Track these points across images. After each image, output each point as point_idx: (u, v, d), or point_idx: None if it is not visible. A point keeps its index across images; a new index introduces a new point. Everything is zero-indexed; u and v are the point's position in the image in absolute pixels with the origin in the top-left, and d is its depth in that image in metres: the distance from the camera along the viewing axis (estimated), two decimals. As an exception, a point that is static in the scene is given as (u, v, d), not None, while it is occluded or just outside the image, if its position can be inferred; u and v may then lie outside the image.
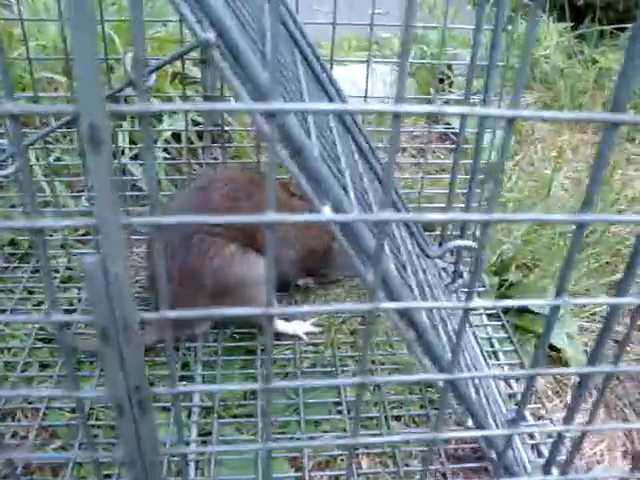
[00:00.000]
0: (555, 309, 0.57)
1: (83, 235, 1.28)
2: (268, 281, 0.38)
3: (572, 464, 0.61)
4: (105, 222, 0.35)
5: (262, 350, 1.05)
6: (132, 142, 1.41)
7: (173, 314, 0.40)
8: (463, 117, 1.08)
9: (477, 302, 0.41)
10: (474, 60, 1.03)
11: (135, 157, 1.42)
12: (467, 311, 0.42)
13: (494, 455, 0.67)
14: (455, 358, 0.46)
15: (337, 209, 0.42)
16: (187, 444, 0.89)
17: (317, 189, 0.41)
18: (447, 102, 1.68)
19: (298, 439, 0.91)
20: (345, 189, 0.48)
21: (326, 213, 0.40)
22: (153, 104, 0.32)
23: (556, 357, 1.11)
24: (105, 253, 0.36)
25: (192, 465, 0.87)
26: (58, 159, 1.36)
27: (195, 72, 1.54)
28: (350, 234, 0.43)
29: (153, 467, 0.48)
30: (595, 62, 1.94)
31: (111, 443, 0.90)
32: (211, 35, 0.37)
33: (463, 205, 1.23)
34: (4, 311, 1.10)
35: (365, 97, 1.16)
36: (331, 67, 1.07)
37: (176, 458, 0.87)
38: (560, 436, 0.69)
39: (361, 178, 0.73)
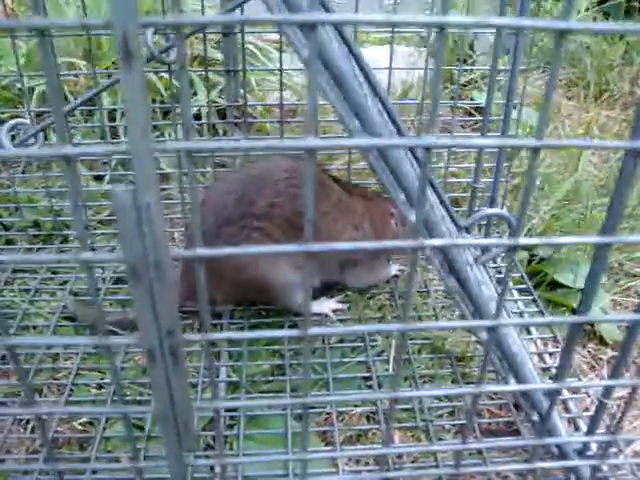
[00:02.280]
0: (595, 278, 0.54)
1: (107, 216, 1.27)
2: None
3: (619, 427, 0.58)
4: (137, 147, 0.33)
5: (290, 326, 1.03)
6: (154, 127, 1.40)
7: (207, 252, 0.38)
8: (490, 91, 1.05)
9: (524, 240, 0.38)
10: (500, 34, 1.00)
11: (156, 137, 1.41)
12: (515, 249, 0.40)
13: (535, 417, 0.64)
14: (501, 303, 0.43)
15: (374, 135, 0.40)
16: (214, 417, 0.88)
17: (353, 112, 0.39)
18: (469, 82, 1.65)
19: (329, 414, 0.90)
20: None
21: (361, 139, 0.38)
22: (187, 16, 0.30)
23: (590, 331, 1.08)
24: (137, 182, 0.35)
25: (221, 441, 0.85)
26: (78, 143, 1.36)
27: (214, 54, 1.53)
28: (391, 169, 0.41)
29: (186, 423, 0.46)
30: (622, 38, 1.89)
31: (137, 401, 0.89)
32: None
33: (491, 180, 1.20)
34: (28, 291, 1.10)
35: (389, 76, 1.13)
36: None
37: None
38: (602, 404, 0.67)
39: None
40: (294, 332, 0.42)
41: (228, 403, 0.44)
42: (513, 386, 0.64)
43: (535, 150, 0.37)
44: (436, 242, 0.38)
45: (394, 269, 1.15)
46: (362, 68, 0.43)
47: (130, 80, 0.31)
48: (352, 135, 0.40)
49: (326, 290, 1.11)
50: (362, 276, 1.11)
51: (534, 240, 0.40)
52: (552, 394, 0.50)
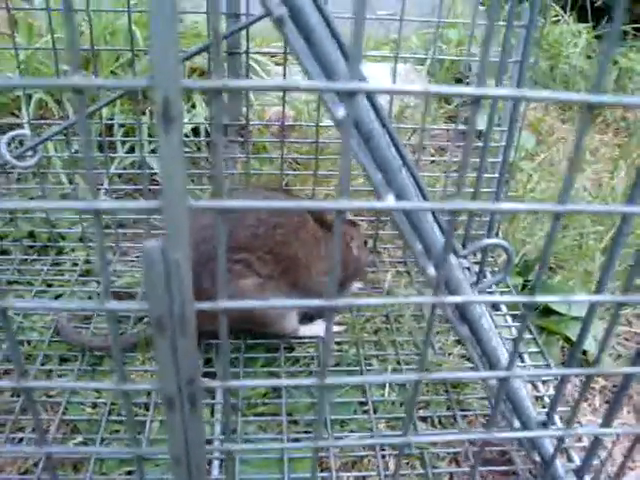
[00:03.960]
0: (592, 310, 0.55)
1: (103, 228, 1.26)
2: (333, 272, 0.37)
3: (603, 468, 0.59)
4: (172, 205, 0.33)
5: (285, 348, 1.04)
6: (150, 136, 1.39)
7: (229, 304, 0.38)
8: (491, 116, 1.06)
9: (540, 298, 0.39)
10: (504, 57, 1.01)
11: (153, 151, 1.40)
12: (531, 307, 0.41)
13: (537, 457, 0.65)
14: (515, 354, 0.44)
15: (400, 197, 0.40)
16: (210, 442, 0.87)
17: (384, 177, 0.39)
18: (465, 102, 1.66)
19: (324, 439, 0.90)
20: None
21: (390, 201, 0.39)
22: (227, 80, 0.30)
23: (582, 359, 1.09)
24: (168, 239, 0.35)
25: (216, 464, 0.85)
26: (76, 152, 1.35)
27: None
28: (412, 224, 0.42)
29: (198, 467, 0.46)
30: (615, 63, 1.92)
31: (134, 439, 0.88)
32: (283, 11, 0.35)
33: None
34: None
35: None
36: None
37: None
38: (597, 440, 0.68)
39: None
40: (311, 381, 0.43)
41: (243, 446, 0.44)
42: (521, 432, 0.64)
43: (557, 216, 0.38)
44: (456, 299, 0.39)
45: (355, 288, 1.18)
46: (384, 124, 0.44)
47: (169, 143, 0.31)
48: (376, 190, 0.41)
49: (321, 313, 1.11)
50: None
51: (551, 298, 0.40)
52: (559, 440, 0.51)
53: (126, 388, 0.42)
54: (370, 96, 0.43)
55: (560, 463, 0.70)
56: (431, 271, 0.48)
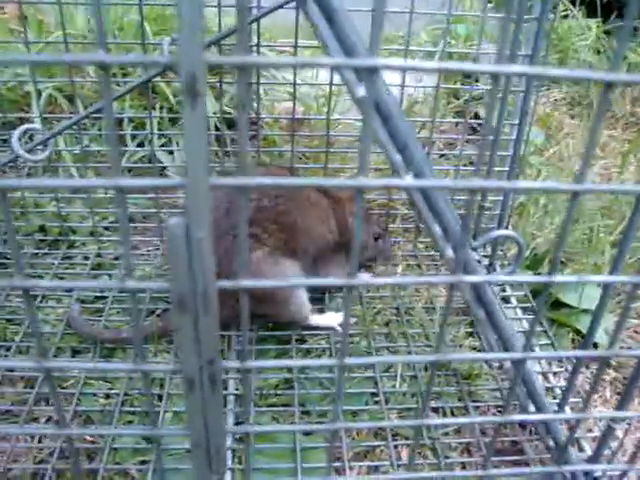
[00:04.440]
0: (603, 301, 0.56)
1: (112, 223, 1.27)
2: (355, 255, 0.37)
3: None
4: (195, 181, 0.33)
5: (296, 340, 1.04)
6: (160, 130, 1.40)
7: (250, 283, 0.39)
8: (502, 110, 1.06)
9: (559, 278, 0.39)
10: (514, 49, 1.01)
11: (163, 145, 1.41)
12: (547, 287, 0.41)
13: (551, 442, 0.65)
14: (531, 336, 0.44)
15: (419, 176, 0.41)
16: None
17: (404, 159, 0.39)
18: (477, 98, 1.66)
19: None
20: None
21: (408, 180, 0.39)
22: (254, 56, 0.31)
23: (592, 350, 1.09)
24: (191, 216, 0.35)
25: (229, 454, 0.86)
26: (87, 146, 1.35)
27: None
28: (430, 206, 0.42)
29: (218, 450, 0.46)
30: (625, 58, 1.91)
31: (153, 421, 0.88)
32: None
33: (497, 198, 1.22)
34: (35, 297, 1.09)
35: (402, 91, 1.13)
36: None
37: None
38: (609, 429, 0.68)
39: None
40: (331, 361, 0.43)
41: (259, 428, 0.44)
42: (537, 415, 0.65)
43: (574, 194, 0.38)
44: (474, 279, 0.39)
45: (365, 276, 1.17)
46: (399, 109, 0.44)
47: (193, 118, 0.32)
48: (396, 169, 0.41)
49: (332, 303, 1.12)
50: (333, 275, 1.13)
51: (569, 278, 0.41)
52: (572, 426, 0.51)
53: (145, 369, 0.42)
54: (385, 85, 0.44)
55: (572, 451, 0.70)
56: (449, 253, 0.48)
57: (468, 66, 0.32)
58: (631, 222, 0.44)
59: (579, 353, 0.45)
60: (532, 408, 0.63)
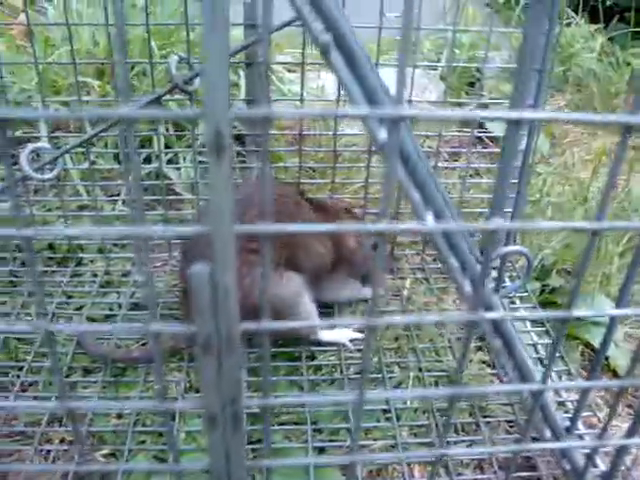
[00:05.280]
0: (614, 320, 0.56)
1: (121, 239, 1.28)
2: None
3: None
4: (220, 231, 0.34)
5: (307, 357, 1.04)
6: (167, 146, 1.40)
7: (274, 325, 0.39)
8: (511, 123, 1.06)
9: (577, 312, 0.40)
10: (523, 63, 1.01)
11: (170, 161, 1.42)
12: (566, 321, 0.41)
13: (568, 466, 0.65)
14: (550, 369, 0.44)
15: (439, 217, 0.41)
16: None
17: (423, 198, 0.40)
18: (485, 105, 1.67)
19: (349, 447, 0.90)
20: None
21: (429, 221, 0.39)
22: (276, 109, 0.31)
23: (603, 364, 1.09)
24: (216, 264, 0.35)
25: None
26: (93, 163, 1.36)
27: (234, 80, 1.54)
28: (449, 242, 0.42)
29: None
30: (628, 64, 1.92)
31: (160, 450, 0.89)
32: (328, 37, 0.36)
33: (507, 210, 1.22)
34: (45, 315, 1.09)
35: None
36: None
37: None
38: (624, 447, 0.68)
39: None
40: (348, 397, 0.43)
41: (280, 462, 0.45)
42: (553, 444, 0.65)
43: (594, 233, 0.38)
44: (493, 315, 0.39)
45: (367, 292, 1.17)
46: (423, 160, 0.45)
47: (219, 171, 0.32)
48: (416, 209, 0.42)
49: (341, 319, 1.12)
50: (334, 291, 1.14)
51: (588, 312, 0.41)
52: (591, 453, 0.51)
53: (167, 406, 0.43)
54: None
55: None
56: (467, 288, 0.49)
57: (492, 114, 0.33)
58: (636, 257, 0.44)
59: (594, 384, 0.45)
60: (548, 433, 0.64)
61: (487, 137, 1.63)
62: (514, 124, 0.32)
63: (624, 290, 0.53)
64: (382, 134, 0.33)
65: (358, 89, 0.37)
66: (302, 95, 1.09)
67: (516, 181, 1.14)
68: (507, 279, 1.21)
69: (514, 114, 0.33)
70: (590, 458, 0.50)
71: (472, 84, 1.85)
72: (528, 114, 0.33)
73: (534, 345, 1.10)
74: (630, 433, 0.61)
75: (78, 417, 0.41)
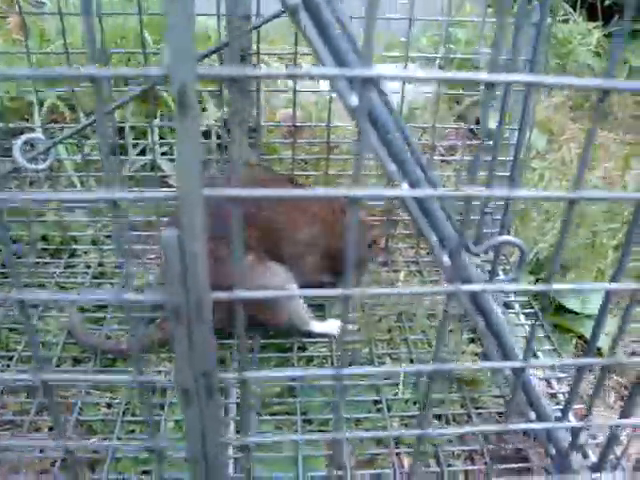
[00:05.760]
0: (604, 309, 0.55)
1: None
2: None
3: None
4: (188, 194, 0.33)
5: (298, 348, 1.04)
6: (161, 138, 1.40)
7: (245, 294, 0.39)
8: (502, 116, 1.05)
9: (557, 285, 0.39)
10: (515, 54, 1.00)
11: (164, 153, 1.41)
12: (547, 294, 0.40)
13: (553, 451, 0.64)
14: (531, 345, 0.44)
15: (415, 185, 0.41)
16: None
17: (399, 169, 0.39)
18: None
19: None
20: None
21: (404, 188, 0.39)
22: (245, 67, 0.31)
23: (595, 354, 1.08)
24: (185, 229, 0.35)
25: (230, 463, 0.85)
26: (88, 154, 1.35)
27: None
28: (426, 215, 0.42)
29: (216, 462, 0.46)
30: (626, 62, 1.91)
31: (153, 433, 0.88)
32: (297, 1, 0.36)
33: (500, 203, 1.21)
34: (37, 306, 1.09)
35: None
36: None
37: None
38: (613, 436, 0.67)
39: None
40: (328, 371, 0.43)
41: (257, 439, 0.44)
42: (537, 424, 0.64)
43: (571, 202, 0.38)
44: (471, 287, 0.39)
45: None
46: (398, 124, 0.44)
47: (186, 128, 0.31)
48: (390, 178, 0.41)
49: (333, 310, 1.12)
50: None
51: (567, 285, 0.40)
52: (575, 433, 0.50)
53: (143, 379, 0.42)
54: (383, 93, 0.43)
55: (575, 458, 0.70)
56: (446, 261, 0.48)
57: (462, 75, 0.32)
58: (630, 233, 0.43)
59: (579, 361, 0.45)
60: (533, 416, 0.63)
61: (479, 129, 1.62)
62: (490, 86, 0.32)
63: (620, 266, 0.52)
64: (353, 99, 0.33)
65: (327, 52, 0.37)
66: (295, 85, 1.08)
67: (508, 174, 1.14)
68: (501, 272, 1.20)
69: (485, 75, 0.32)
70: (574, 439, 0.49)
71: (469, 80, 1.84)
72: (501, 76, 0.33)
73: (530, 329, 1.09)
74: (622, 416, 0.60)
75: (51, 389, 0.40)
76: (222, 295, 0.38)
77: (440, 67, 1.63)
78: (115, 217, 0.35)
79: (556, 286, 0.40)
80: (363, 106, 0.32)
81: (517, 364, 0.44)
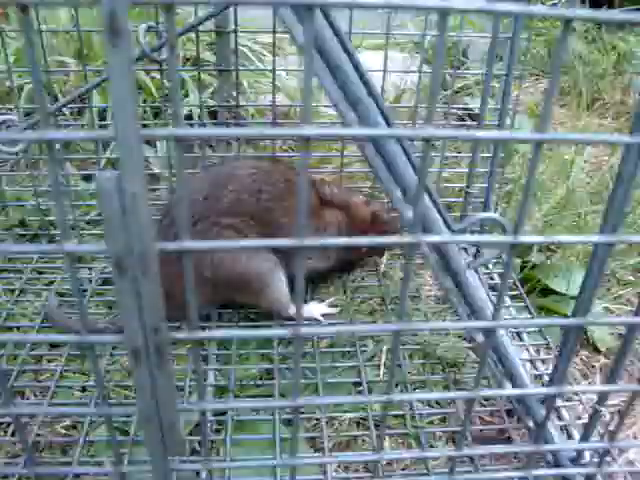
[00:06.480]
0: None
1: (96, 216, 1.25)
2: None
3: (615, 435, 0.57)
4: (124, 133, 0.31)
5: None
6: (144, 126, 1.38)
7: (193, 245, 0.37)
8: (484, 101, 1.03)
9: (524, 238, 0.37)
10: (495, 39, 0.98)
11: (147, 142, 1.39)
12: (514, 247, 0.39)
13: (531, 423, 0.63)
14: (500, 303, 0.42)
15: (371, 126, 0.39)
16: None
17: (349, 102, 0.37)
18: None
19: (317, 419, 0.88)
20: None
21: (357, 128, 0.37)
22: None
23: (582, 338, 1.07)
24: (123, 170, 0.33)
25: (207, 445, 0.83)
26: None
27: (208, 56, 1.52)
28: (387, 164, 0.40)
29: (171, 425, 0.44)
30: (614, 48, 1.90)
31: (122, 404, 0.87)
32: None
33: (483, 185, 1.20)
34: (13, 291, 1.08)
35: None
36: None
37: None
38: (596, 412, 0.66)
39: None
40: (284, 331, 0.41)
41: (214, 405, 0.42)
42: (509, 390, 0.62)
43: (538, 144, 0.36)
44: (433, 238, 0.37)
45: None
46: (356, 66, 0.42)
47: (117, 59, 0.30)
48: (348, 126, 0.39)
49: (315, 294, 1.10)
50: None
51: (534, 238, 0.38)
52: (549, 400, 0.48)
53: (91, 339, 0.40)
54: (339, 34, 0.41)
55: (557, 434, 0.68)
56: (409, 215, 0.46)
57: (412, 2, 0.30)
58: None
59: (547, 321, 0.43)
60: (509, 386, 0.61)
61: (468, 114, 1.61)
62: (442, 15, 0.30)
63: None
64: (300, 35, 0.31)
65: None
66: (274, 66, 1.07)
67: (490, 155, 1.13)
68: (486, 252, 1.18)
69: (434, 1, 0.30)
70: (549, 405, 0.47)
71: (457, 68, 1.83)
72: (455, 4, 0.31)
73: (513, 319, 1.08)
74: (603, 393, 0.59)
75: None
76: (170, 245, 0.36)
77: (427, 61, 1.62)
78: (51, 159, 0.33)
79: (522, 239, 0.38)
80: (309, 37, 0.30)
81: (487, 323, 0.42)
